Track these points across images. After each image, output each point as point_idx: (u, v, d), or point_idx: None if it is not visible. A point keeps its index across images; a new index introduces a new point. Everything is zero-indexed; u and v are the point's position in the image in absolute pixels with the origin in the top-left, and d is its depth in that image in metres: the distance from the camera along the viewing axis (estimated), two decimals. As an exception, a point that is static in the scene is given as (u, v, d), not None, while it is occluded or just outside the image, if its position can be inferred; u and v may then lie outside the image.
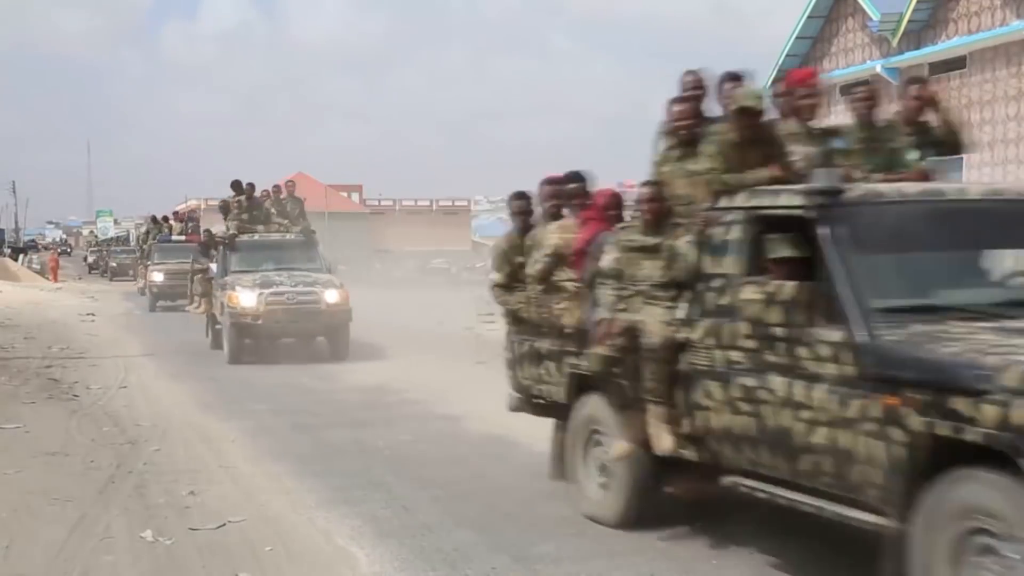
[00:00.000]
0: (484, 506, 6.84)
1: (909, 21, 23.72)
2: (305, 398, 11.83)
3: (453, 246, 74.30)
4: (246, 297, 15.13)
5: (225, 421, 10.32)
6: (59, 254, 65.55)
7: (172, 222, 32.10)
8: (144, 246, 33.23)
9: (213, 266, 17.34)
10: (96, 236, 75.22)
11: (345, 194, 74.16)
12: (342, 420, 10.30)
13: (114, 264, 48.01)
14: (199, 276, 18.71)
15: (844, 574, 5.35)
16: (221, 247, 16.97)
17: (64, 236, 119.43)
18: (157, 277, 27.37)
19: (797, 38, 28.17)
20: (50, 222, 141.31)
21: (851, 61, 26.82)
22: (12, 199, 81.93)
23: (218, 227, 19.26)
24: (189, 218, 33.23)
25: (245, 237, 16.81)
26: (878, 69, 25.12)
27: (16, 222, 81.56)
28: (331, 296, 15.46)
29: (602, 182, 7.16)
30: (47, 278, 43.42)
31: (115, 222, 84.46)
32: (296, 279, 15.66)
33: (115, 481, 7.64)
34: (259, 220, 17.17)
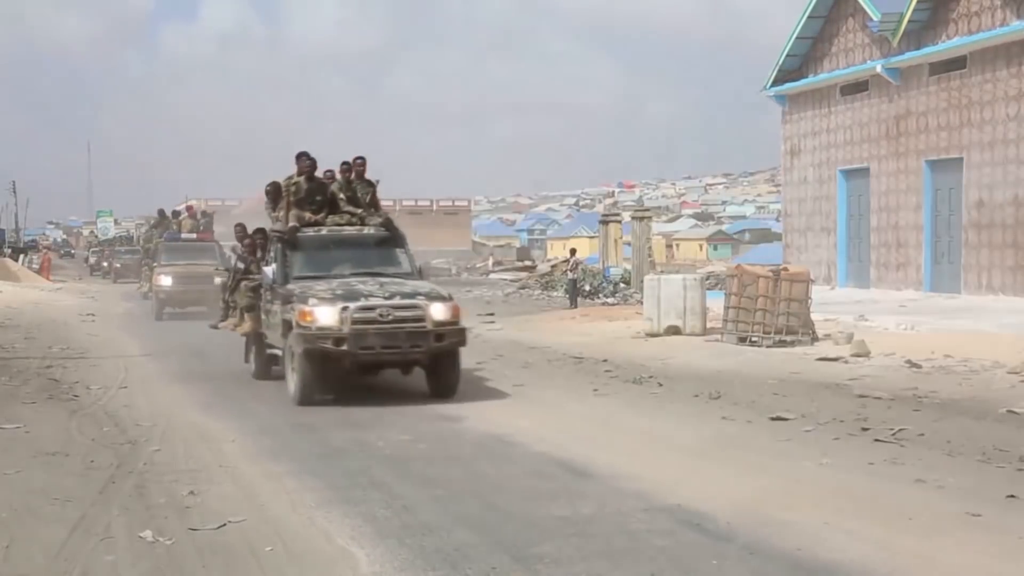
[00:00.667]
0: (484, 506, 6.84)
1: (909, 21, 23.73)
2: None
3: (453, 246, 74.50)
4: (324, 313, 11.22)
5: (225, 421, 10.32)
6: (62, 255, 65.57)
7: (183, 217, 30.02)
8: (148, 245, 31.61)
9: (269, 271, 13.01)
10: (97, 236, 75.16)
11: (345, 194, 74.10)
12: (342, 420, 10.30)
13: (118, 265, 46.33)
14: (244, 284, 13.88)
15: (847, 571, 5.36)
16: (279, 245, 12.76)
17: (65, 236, 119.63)
18: (164, 281, 24.17)
19: (797, 38, 28.22)
20: (50, 222, 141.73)
21: (851, 61, 26.83)
22: (12, 199, 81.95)
23: (249, 221, 15.41)
24: (203, 214, 31.50)
25: (311, 232, 12.78)
26: (878, 69, 25.15)
27: (16, 222, 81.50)
28: (438, 311, 11.50)
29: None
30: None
31: (115, 222, 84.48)
32: (388, 288, 11.70)
33: (115, 481, 7.64)
34: (324, 208, 13.06)
